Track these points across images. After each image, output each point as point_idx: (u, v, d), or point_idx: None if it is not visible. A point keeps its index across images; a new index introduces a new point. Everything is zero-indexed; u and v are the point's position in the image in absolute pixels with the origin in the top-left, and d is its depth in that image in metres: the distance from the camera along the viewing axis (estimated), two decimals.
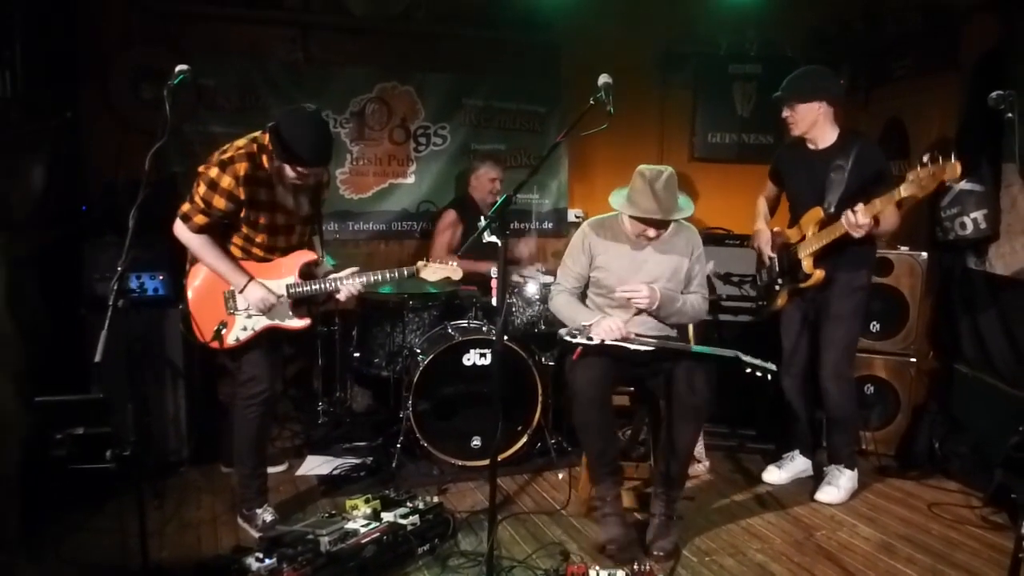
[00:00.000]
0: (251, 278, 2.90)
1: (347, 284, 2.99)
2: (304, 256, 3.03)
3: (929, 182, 2.91)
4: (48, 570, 2.76)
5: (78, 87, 4.12)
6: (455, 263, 3.15)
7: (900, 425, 4.00)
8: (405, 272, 3.07)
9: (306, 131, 2.72)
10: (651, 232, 3.02)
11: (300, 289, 2.98)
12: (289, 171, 2.78)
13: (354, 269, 3.04)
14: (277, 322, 2.99)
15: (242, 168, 2.74)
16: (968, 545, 3.08)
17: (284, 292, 2.96)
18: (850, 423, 3.57)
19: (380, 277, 3.03)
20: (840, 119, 3.43)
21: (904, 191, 2.98)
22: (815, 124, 3.36)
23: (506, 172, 4.87)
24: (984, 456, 3.61)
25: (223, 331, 2.91)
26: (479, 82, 5.01)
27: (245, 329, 2.95)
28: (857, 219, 3.06)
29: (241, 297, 2.92)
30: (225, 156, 2.77)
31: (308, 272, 3.03)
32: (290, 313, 3.01)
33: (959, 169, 2.84)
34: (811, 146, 3.43)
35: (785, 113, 3.42)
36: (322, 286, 2.99)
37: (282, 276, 2.98)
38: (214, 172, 2.74)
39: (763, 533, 3.19)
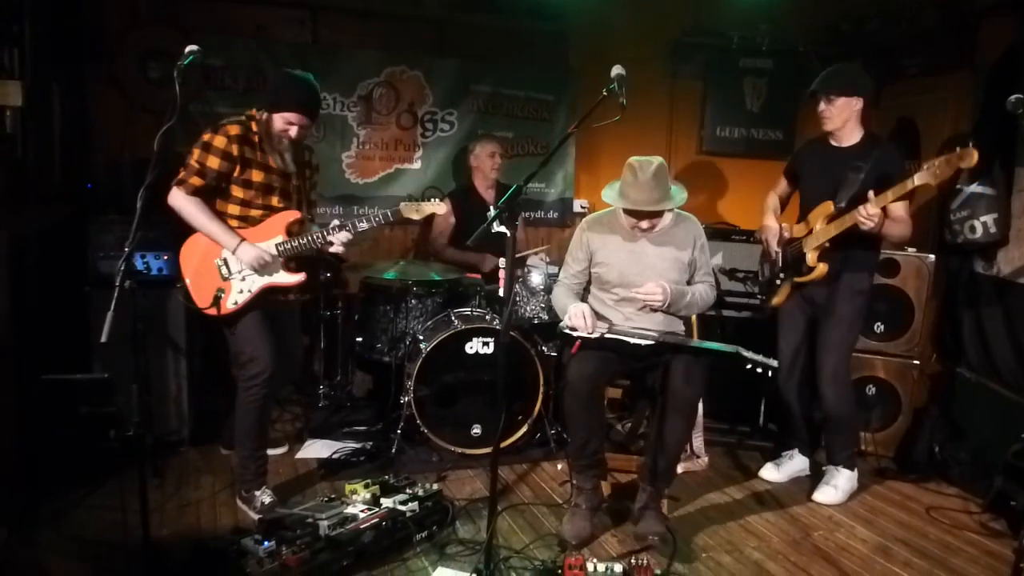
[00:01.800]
0: (242, 239, 2.97)
1: (335, 235, 3.06)
2: (290, 216, 3.07)
3: (945, 170, 2.87)
4: (49, 546, 2.77)
5: (85, 66, 4.10)
6: (441, 201, 3.24)
7: (900, 427, 3.99)
8: (389, 214, 3.11)
9: (294, 82, 2.96)
10: (644, 224, 3.01)
11: (289, 246, 3.04)
12: (277, 122, 2.92)
13: (337, 222, 3.11)
14: (271, 280, 3.05)
15: (233, 129, 2.90)
16: (965, 551, 3.07)
17: (274, 251, 3.02)
18: (848, 425, 3.56)
19: (364, 224, 3.08)
20: (865, 121, 3.40)
21: (918, 179, 2.95)
22: (848, 120, 3.31)
23: (513, 160, 4.85)
24: (984, 462, 3.60)
25: (221, 297, 2.96)
26: (488, 68, 4.98)
27: (242, 292, 3.01)
28: (869, 209, 3.04)
29: (234, 260, 2.98)
30: (219, 123, 2.94)
31: (295, 231, 3.09)
32: (282, 271, 3.08)
33: (976, 156, 2.79)
34: (833, 143, 3.39)
35: (821, 107, 3.34)
36: (309, 240, 3.05)
37: (271, 236, 3.04)
38: (207, 136, 2.89)
39: (761, 531, 3.19)
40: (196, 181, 2.89)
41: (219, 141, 2.87)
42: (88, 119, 4.13)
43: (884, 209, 3.08)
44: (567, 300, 3.11)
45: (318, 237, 3.04)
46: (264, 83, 4.41)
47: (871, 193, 3.05)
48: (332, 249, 3.09)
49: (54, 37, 3.56)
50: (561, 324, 3.08)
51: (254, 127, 2.95)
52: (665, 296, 2.98)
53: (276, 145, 2.97)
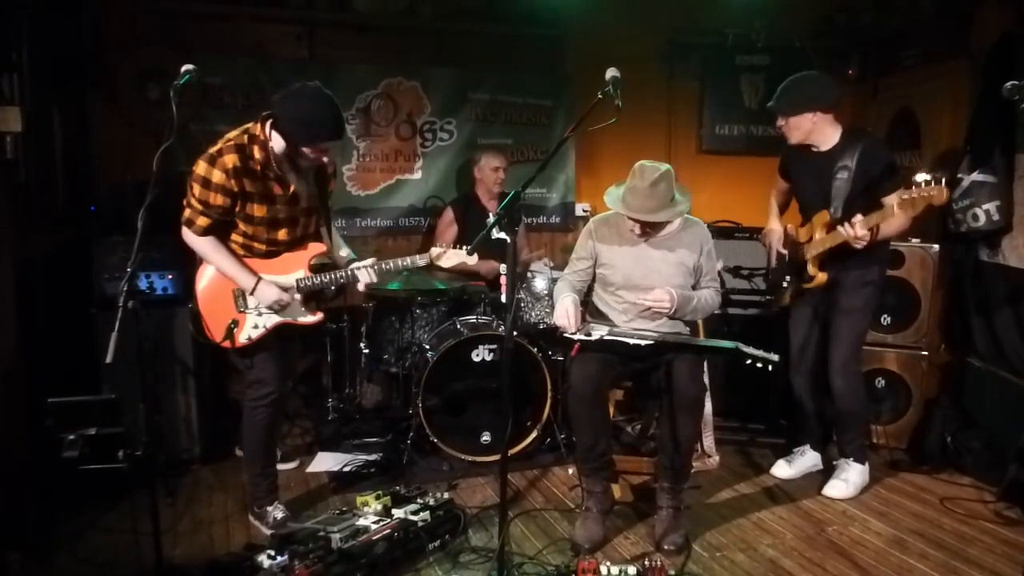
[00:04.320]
0: (259, 279, 2.86)
1: (360, 275, 2.97)
2: (313, 249, 2.99)
3: (919, 203, 2.92)
4: (63, 569, 2.78)
5: (85, 88, 4.13)
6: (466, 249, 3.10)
7: (912, 419, 3.98)
8: (419, 260, 3.05)
9: (324, 110, 2.69)
10: (636, 229, 3.02)
11: (310, 283, 2.95)
12: (312, 154, 2.74)
13: (370, 260, 3.01)
14: (288, 319, 2.96)
15: (231, 160, 2.69)
16: (982, 540, 3.06)
17: (294, 286, 2.93)
18: (859, 417, 3.55)
19: (394, 266, 3.02)
20: (843, 117, 3.38)
21: (898, 210, 2.99)
22: (811, 132, 3.30)
23: (513, 167, 4.86)
24: (997, 450, 3.59)
25: (235, 329, 2.87)
26: (485, 76, 5.00)
27: (256, 327, 2.92)
28: (856, 232, 3.05)
29: (252, 296, 2.91)
30: (214, 150, 2.74)
31: (318, 265, 3.00)
32: (302, 309, 2.98)
33: (946, 194, 2.87)
34: (815, 148, 3.37)
35: (779, 123, 3.35)
36: (333, 278, 2.96)
37: (291, 271, 2.95)
38: (203, 168, 2.71)
39: (774, 528, 3.18)
40: (204, 221, 2.77)
41: (217, 176, 2.69)
42: (89, 141, 4.16)
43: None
44: (561, 295, 3.11)
45: (341, 277, 2.96)
46: (262, 99, 4.43)
47: (859, 216, 3.05)
48: (358, 286, 3.00)
49: (53, 61, 3.59)
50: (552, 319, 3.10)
51: (256, 152, 2.72)
52: (672, 303, 2.97)
53: (289, 170, 2.79)
